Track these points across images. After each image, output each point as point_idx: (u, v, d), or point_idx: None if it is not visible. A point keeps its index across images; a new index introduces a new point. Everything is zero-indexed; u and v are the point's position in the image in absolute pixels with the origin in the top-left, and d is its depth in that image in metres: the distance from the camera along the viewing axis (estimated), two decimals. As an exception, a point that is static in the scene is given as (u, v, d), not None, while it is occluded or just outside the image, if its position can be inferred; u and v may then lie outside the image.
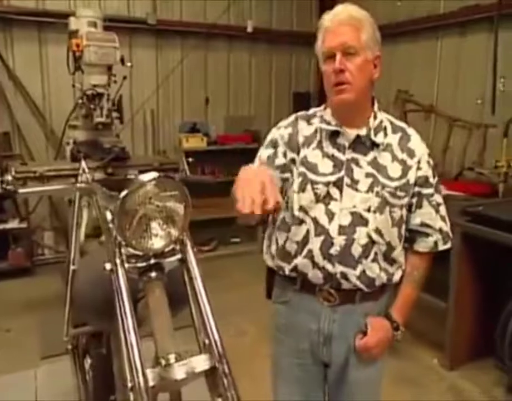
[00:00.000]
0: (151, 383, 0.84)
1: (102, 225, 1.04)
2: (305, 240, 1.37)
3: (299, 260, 1.38)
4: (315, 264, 1.36)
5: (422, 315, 3.42)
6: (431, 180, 1.39)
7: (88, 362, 2.03)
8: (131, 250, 0.97)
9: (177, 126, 5.02)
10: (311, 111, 1.48)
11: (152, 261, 0.97)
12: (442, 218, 1.42)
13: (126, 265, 0.96)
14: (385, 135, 1.38)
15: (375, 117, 1.38)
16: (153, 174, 0.93)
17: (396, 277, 1.42)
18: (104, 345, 1.50)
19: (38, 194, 2.33)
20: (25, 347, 3.10)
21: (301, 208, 1.37)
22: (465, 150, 3.88)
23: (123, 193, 0.91)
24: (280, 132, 1.45)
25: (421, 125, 4.37)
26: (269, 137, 1.49)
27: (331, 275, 1.35)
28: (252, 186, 1.02)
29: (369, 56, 1.31)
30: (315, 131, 1.41)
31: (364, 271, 1.35)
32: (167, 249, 0.98)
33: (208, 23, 4.99)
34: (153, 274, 0.97)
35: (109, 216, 1.01)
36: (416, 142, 1.39)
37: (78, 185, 1.51)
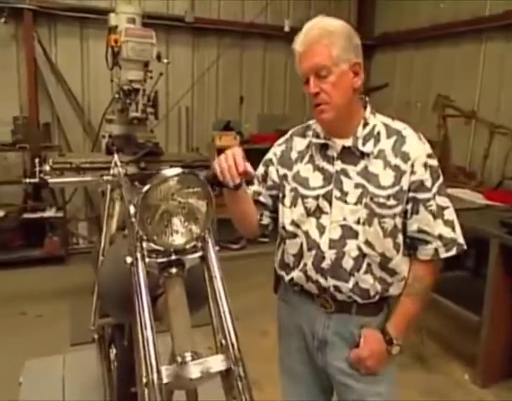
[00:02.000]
0: (165, 380, 0.83)
1: (126, 219, 1.05)
2: (300, 253, 1.39)
3: (295, 273, 1.40)
4: (308, 278, 1.37)
5: (454, 328, 3.33)
6: (428, 183, 1.30)
7: (113, 352, 2.05)
8: (153, 245, 0.96)
9: (211, 124, 5.04)
10: (310, 122, 1.47)
11: (173, 257, 0.96)
12: (446, 223, 1.32)
13: (147, 260, 0.96)
14: (378, 141, 1.33)
15: (366, 125, 1.34)
16: (177, 170, 0.92)
17: (395, 289, 1.37)
18: (126, 337, 1.52)
19: (67, 185, 2.40)
20: (55, 333, 3.18)
21: (293, 222, 1.39)
22: (507, 159, 3.72)
23: (146, 187, 0.91)
24: (274, 150, 1.49)
25: (461, 131, 4.24)
26: (266, 156, 1.52)
27: (324, 289, 1.36)
28: (227, 160, 1.20)
29: (345, 68, 1.27)
30: (308, 145, 1.42)
31: (357, 283, 1.33)
32: (188, 246, 0.97)
33: (245, 22, 4.99)
34: (173, 270, 0.97)
35: (132, 209, 1.01)
36: (411, 144, 1.31)
37: (105, 177, 1.52)
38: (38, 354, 2.70)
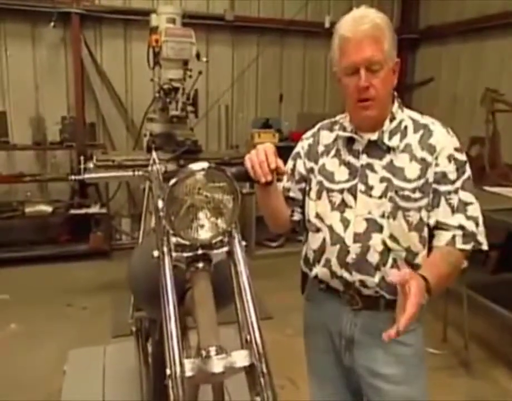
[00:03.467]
0: (188, 373, 0.84)
1: (155, 213, 1.06)
2: (322, 248, 1.37)
3: (319, 269, 1.39)
4: (333, 274, 1.35)
5: (501, 334, 3.18)
6: (451, 176, 1.27)
7: (150, 345, 2.10)
8: (180, 240, 0.97)
9: (251, 122, 5.06)
10: (337, 117, 1.46)
11: (199, 252, 0.97)
12: (469, 218, 1.28)
13: (174, 254, 0.96)
14: (404, 135, 1.31)
15: (392, 119, 1.32)
16: (203, 164, 0.93)
17: None
18: (158, 331, 1.55)
19: (100, 180, 2.50)
20: (98, 325, 3.31)
21: (318, 215, 1.38)
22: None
23: (172, 181, 0.92)
24: (302, 144, 1.49)
25: (510, 126, 4.04)
26: (294, 150, 1.52)
27: (350, 284, 1.34)
28: (258, 156, 1.19)
29: (391, 65, 1.26)
30: (335, 139, 1.41)
31: (383, 278, 1.30)
32: (214, 241, 0.97)
33: (285, 19, 4.97)
34: (200, 265, 0.97)
35: (160, 204, 1.02)
36: (438, 137, 1.29)
37: (136, 173, 1.55)
38: (81, 344, 2.82)
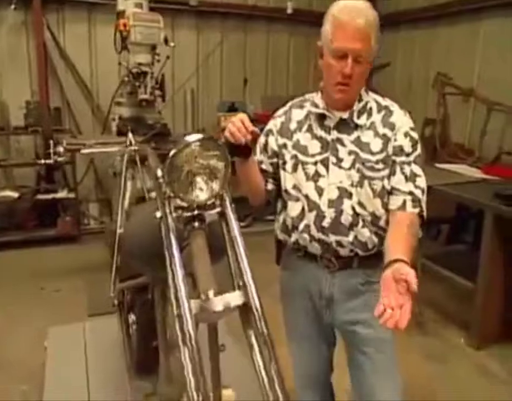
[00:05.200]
0: (193, 311, 0.98)
1: (153, 181, 1.19)
2: (301, 216, 1.51)
3: (298, 235, 1.53)
4: (312, 237, 1.50)
5: (451, 297, 3.49)
6: (406, 149, 1.45)
7: (131, 317, 2.22)
8: (178, 203, 1.11)
9: (216, 105, 5.16)
10: (307, 96, 1.60)
11: (196, 212, 1.11)
12: (417, 187, 1.45)
13: (173, 214, 1.10)
14: (370, 115, 1.48)
15: (360, 100, 1.48)
16: (198, 135, 1.06)
17: None
18: (150, 293, 1.67)
19: (96, 155, 2.57)
20: (73, 306, 3.36)
21: (295, 186, 1.52)
22: (503, 135, 3.84)
23: (172, 152, 1.05)
24: (274, 121, 1.61)
25: (460, 109, 4.35)
26: (266, 127, 1.63)
27: (327, 245, 1.49)
28: (235, 124, 1.34)
29: (371, 60, 1.41)
30: (307, 115, 1.54)
31: (356, 237, 1.47)
32: (208, 203, 1.11)
33: (249, 4, 5.07)
34: (196, 224, 1.11)
35: (159, 173, 1.15)
36: (397, 116, 1.47)
37: (133, 147, 1.66)
38: (58, 324, 2.86)
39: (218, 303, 1.00)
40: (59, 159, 3.88)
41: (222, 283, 1.08)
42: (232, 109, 5.01)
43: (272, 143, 1.59)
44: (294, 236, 1.55)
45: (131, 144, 2.42)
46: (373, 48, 1.38)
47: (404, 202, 1.44)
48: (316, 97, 1.55)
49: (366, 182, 1.45)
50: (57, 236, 4.51)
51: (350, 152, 1.46)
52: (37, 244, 4.39)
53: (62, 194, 4.55)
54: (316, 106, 1.52)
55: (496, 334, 2.93)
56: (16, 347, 2.89)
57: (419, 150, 1.48)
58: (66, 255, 4.30)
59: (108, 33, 3.95)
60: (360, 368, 1.55)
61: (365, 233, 1.47)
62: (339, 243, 1.48)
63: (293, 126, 1.56)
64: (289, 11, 5.13)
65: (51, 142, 3.83)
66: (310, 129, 1.52)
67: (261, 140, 1.62)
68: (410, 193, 1.44)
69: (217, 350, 1.19)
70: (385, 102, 1.52)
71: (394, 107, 1.51)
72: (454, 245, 4.23)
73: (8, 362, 2.73)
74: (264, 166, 1.61)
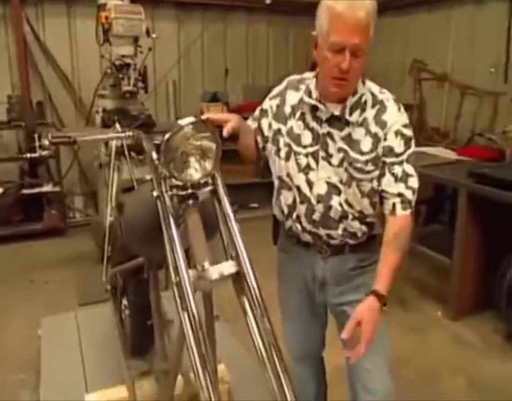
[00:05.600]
0: (191, 279, 1.07)
1: (148, 163, 1.27)
2: (294, 205, 1.53)
3: (291, 223, 1.56)
4: (303, 229, 1.54)
5: (428, 272, 3.65)
6: (397, 149, 1.39)
7: (125, 300, 2.29)
8: (173, 182, 1.19)
9: (198, 96, 5.22)
10: (305, 75, 1.54)
11: (190, 191, 1.19)
12: (408, 187, 1.41)
13: (169, 193, 1.19)
14: (363, 110, 1.42)
15: (355, 93, 1.42)
16: (191, 119, 1.15)
17: (379, 229, 1.52)
18: (146, 273, 1.75)
19: (93, 142, 2.61)
20: (63, 296, 3.41)
21: (288, 175, 1.52)
22: (476, 117, 4.00)
23: (167, 135, 1.13)
24: (270, 103, 1.57)
25: (435, 94, 4.50)
26: (261, 106, 1.61)
27: (318, 236, 1.52)
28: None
29: (369, 49, 1.33)
30: (300, 99, 1.49)
31: (345, 229, 1.49)
32: (201, 181, 1.20)
33: (229, -5, 5.13)
34: (190, 202, 1.19)
35: (154, 155, 1.24)
36: (390, 113, 1.40)
37: (127, 133, 1.73)
38: (50, 314, 2.89)
39: (213, 272, 1.09)
40: (44, 153, 3.93)
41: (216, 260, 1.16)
42: (215, 99, 5.07)
43: (266, 128, 1.57)
44: (288, 223, 1.58)
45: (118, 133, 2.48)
46: (371, 38, 1.31)
47: (394, 205, 1.41)
48: (312, 83, 1.49)
49: (354, 183, 1.44)
50: (44, 230, 4.52)
51: (339, 150, 1.42)
52: (23, 238, 4.40)
53: (47, 187, 4.56)
54: (310, 94, 1.47)
55: (471, 306, 3.10)
56: (10, 337, 2.94)
57: (412, 148, 1.42)
58: (53, 248, 4.33)
59: (88, 26, 3.99)
60: None
61: (354, 225, 1.49)
62: (330, 236, 1.52)
63: (287, 110, 1.52)
64: (268, 1, 5.19)
65: (35, 135, 3.87)
66: (303, 117, 1.49)
67: (256, 114, 1.61)
68: (400, 195, 1.40)
69: (213, 320, 1.28)
70: (381, 95, 1.44)
71: (389, 102, 1.43)
72: (432, 225, 4.39)
73: (2, 352, 2.79)
74: (256, 135, 1.60)
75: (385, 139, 1.40)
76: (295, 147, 1.49)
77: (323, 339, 1.83)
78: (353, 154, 1.41)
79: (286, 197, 1.56)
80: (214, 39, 5.28)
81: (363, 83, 1.45)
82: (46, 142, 3.39)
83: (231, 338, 2.45)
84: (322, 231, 1.51)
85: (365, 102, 1.43)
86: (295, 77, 1.58)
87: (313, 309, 1.70)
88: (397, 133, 1.40)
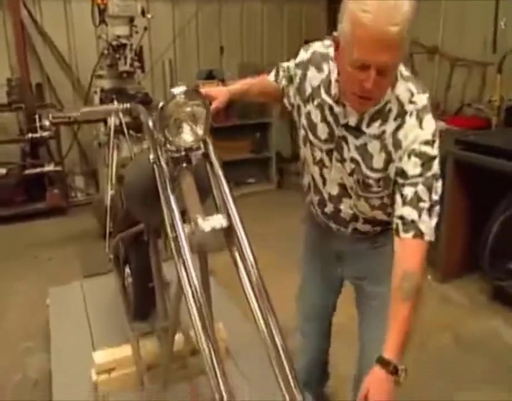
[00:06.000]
0: (186, 232, 1.18)
1: (145, 131, 1.38)
2: (309, 189, 1.54)
3: (310, 199, 1.56)
4: (317, 214, 1.56)
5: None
6: (410, 172, 1.23)
7: (127, 270, 2.42)
8: (168, 147, 1.30)
9: (194, 74, 5.28)
10: (330, 49, 1.32)
11: (183, 153, 1.30)
12: (417, 209, 1.22)
13: (164, 156, 1.30)
14: (385, 121, 1.25)
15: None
16: (183, 88, 1.25)
17: None
18: (146, 236, 1.88)
19: (94, 115, 2.70)
20: (67, 270, 3.52)
21: (305, 159, 1.50)
22: (465, 88, 4.09)
23: (161, 103, 1.24)
24: (295, 71, 1.45)
25: (425, 66, 4.57)
26: (287, 67, 1.50)
27: (330, 227, 1.53)
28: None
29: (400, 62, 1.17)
30: (320, 84, 1.36)
31: (355, 229, 1.48)
32: (195, 146, 1.31)
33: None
34: (184, 165, 1.31)
35: (150, 123, 1.35)
36: (407, 131, 1.22)
37: (125, 105, 1.84)
38: (56, 285, 3.02)
39: (206, 225, 1.20)
40: (45, 134, 4.03)
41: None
42: (210, 76, 5.13)
43: (292, 95, 1.48)
44: (308, 197, 1.58)
45: (117, 111, 2.59)
46: (404, 53, 1.12)
47: (397, 228, 1.26)
48: (333, 72, 1.31)
49: (363, 199, 1.37)
50: (46, 209, 4.62)
51: (352, 159, 1.32)
52: (26, 218, 4.50)
53: (49, 167, 4.63)
54: (329, 86, 1.33)
55: (459, 269, 3.24)
56: (17, 309, 3.07)
57: (433, 170, 1.22)
58: (56, 227, 4.44)
59: (84, 8, 4.06)
60: (365, 316, 1.63)
61: (365, 227, 1.47)
62: (340, 230, 1.52)
63: (307, 89, 1.40)
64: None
65: (36, 117, 3.97)
66: (321, 107, 1.36)
67: (282, 75, 1.52)
68: (401, 217, 1.24)
69: (208, 277, 1.38)
70: (410, 105, 1.23)
71: (412, 117, 1.22)
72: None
73: (10, 322, 2.93)
74: (282, 93, 1.51)
75: (399, 160, 1.24)
76: (311, 137, 1.41)
77: (334, 305, 1.84)
78: (364, 169, 1.31)
79: (305, 176, 1.55)
80: (209, 18, 5.32)
81: (392, 87, 1.23)
82: (47, 123, 3.51)
83: (228, 302, 2.59)
84: (333, 225, 1.52)
85: (389, 110, 1.24)
86: (319, 48, 1.40)
87: (328, 277, 1.71)
88: (412, 154, 1.22)
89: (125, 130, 2.64)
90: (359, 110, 1.26)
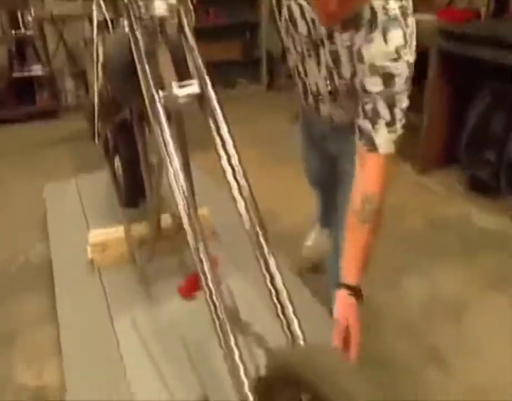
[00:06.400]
0: (161, 97, 1.24)
1: (122, 6, 1.40)
2: (294, 75, 1.54)
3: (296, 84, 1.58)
4: (302, 99, 1.59)
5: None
6: (370, 89, 1.18)
7: (116, 161, 2.51)
8: (142, 16, 1.32)
9: None
10: None
11: (158, 23, 1.33)
12: (375, 123, 1.20)
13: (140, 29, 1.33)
14: (357, 30, 1.18)
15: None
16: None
17: None
18: (130, 118, 1.94)
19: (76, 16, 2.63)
20: (62, 168, 3.63)
21: (288, 49, 1.48)
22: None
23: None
24: None
25: None
26: None
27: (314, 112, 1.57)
28: None
29: None
30: None
31: (333, 120, 1.52)
32: (169, 16, 1.32)
33: None
34: (159, 35, 1.34)
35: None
36: (371, 47, 1.16)
37: None
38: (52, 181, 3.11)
39: (180, 91, 1.27)
40: (29, 33, 3.94)
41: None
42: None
43: None
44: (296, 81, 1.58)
45: (99, 5, 2.54)
46: None
47: (355, 137, 1.26)
48: None
49: (338, 106, 1.42)
50: (38, 112, 4.63)
51: (327, 66, 1.33)
52: (18, 121, 4.53)
53: (37, 70, 4.58)
54: None
55: (438, 161, 3.34)
56: (17, 202, 3.21)
57: (395, 87, 1.15)
58: (48, 130, 4.47)
59: None
60: (340, 185, 1.65)
61: (342, 123, 1.50)
62: (322, 116, 1.55)
63: None
64: None
65: (18, 13, 3.86)
66: (300, 6, 1.31)
67: None
68: (358, 127, 1.24)
69: (186, 143, 1.48)
70: (382, 18, 1.13)
71: (378, 31, 1.14)
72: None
73: (11, 211, 3.10)
74: None
75: (362, 74, 1.20)
76: (292, 32, 1.38)
77: (334, 171, 1.83)
78: (336, 78, 1.32)
79: (289, 57, 1.53)
80: None
81: None
82: (30, 18, 3.44)
83: (211, 185, 2.63)
84: (315, 114, 1.57)
85: (361, 20, 1.17)
86: None
87: (320, 149, 1.79)
88: (373, 69, 1.16)
89: (109, 23, 2.61)
90: (326, 26, 1.24)
